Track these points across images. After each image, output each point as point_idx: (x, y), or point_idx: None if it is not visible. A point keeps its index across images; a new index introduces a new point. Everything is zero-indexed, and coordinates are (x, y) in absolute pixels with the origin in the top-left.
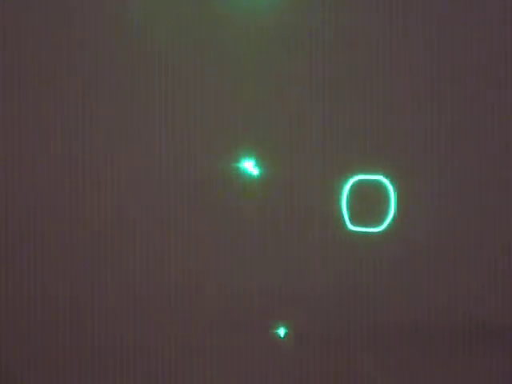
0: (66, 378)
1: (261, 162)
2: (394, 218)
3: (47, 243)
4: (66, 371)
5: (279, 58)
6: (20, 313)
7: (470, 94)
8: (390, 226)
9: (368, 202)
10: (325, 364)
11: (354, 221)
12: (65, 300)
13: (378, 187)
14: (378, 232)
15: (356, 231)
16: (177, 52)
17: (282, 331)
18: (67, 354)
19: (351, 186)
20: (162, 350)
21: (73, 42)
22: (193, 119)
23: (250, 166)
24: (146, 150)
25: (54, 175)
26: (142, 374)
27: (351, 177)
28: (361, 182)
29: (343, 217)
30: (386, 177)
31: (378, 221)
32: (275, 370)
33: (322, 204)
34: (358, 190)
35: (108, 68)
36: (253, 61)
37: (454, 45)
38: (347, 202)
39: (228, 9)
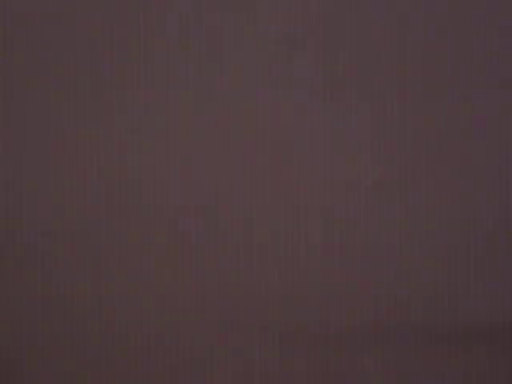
0: (67, 377)
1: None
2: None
3: (50, 243)
4: (70, 370)
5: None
6: (20, 313)
7: (471, 95)
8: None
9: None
10: (325, 364)
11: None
12: (66, 299)
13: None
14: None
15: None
16: (178, 54)
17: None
18: (69, 353)
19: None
20: (162, 350)
21: (76, 41)
22: (192, 121)
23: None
24: (151, 149)
25: (61, 175)
26: (143, 373)
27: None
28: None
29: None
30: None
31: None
32: (275, 369)
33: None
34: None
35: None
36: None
37: (452, 46)
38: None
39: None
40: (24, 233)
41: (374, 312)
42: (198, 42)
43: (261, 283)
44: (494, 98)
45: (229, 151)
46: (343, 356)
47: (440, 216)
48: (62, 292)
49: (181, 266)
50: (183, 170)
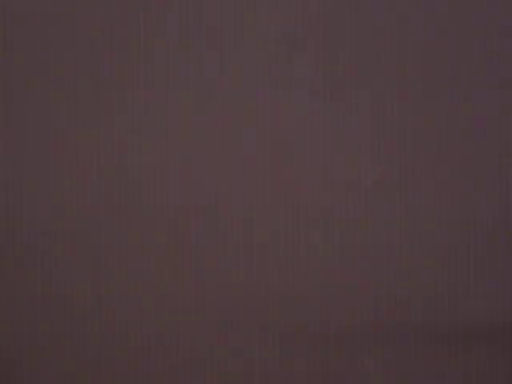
0: (67, 377)
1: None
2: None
3: (50, 243)
4: (70, 370)
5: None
6: (20, 313)
7: (471, 95)
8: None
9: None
10: (325, 364)
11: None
12: (66, 299)
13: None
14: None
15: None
16: (178, 54)
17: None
18: (69, 353)
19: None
20: (162, 350)
21: (76, 41)
22: (192, 121)
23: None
24: (151, 149)
25: (61, 175)
26: (143, 373)
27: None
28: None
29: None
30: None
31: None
32: (275, 369)
33: (325, 205)
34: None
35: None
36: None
37: (452, 46)
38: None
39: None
40: (24, 233)
41: (374, 312)
42: (197, 41)
43: (261, 283)
44: (493, 98)
45: (229, 151)
46: (343, 356)
47: (440, 216)
48: (62, 292)
49: (181, 266)
50: (183, 169)
